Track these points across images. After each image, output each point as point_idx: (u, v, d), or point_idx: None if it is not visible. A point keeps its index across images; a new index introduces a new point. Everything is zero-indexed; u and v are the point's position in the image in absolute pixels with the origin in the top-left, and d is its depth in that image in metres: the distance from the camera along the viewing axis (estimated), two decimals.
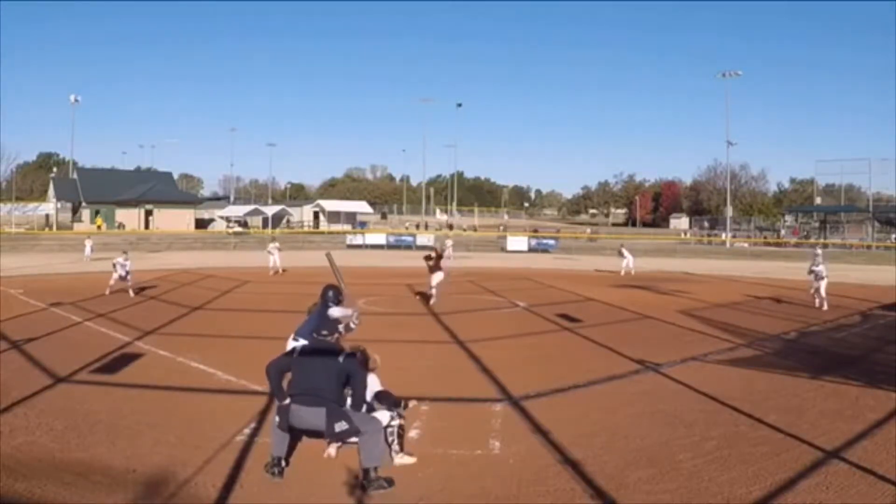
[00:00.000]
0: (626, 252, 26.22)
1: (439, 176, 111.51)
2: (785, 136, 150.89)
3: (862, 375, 8.32)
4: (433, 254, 15.83)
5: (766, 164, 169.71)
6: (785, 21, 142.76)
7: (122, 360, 8.88)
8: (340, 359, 5.00)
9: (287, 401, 4.89)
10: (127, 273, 16.62)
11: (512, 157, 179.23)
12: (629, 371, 8.66)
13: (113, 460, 5.14)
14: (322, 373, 4.89)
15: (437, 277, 15.21)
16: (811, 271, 16.10)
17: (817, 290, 15.69)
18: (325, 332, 5.22)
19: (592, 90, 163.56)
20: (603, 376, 8.26)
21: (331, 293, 6.77)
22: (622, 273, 25.11)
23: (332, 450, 5.29)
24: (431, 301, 15.15)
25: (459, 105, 72.49)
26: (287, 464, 4.94)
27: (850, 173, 59.15)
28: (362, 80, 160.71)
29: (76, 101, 65.77)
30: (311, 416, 4.81)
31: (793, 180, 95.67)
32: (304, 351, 5.21)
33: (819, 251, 18.93)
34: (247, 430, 5.93)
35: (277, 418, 4.95)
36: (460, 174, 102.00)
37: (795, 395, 7.45)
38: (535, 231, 62.22)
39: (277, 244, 25.21)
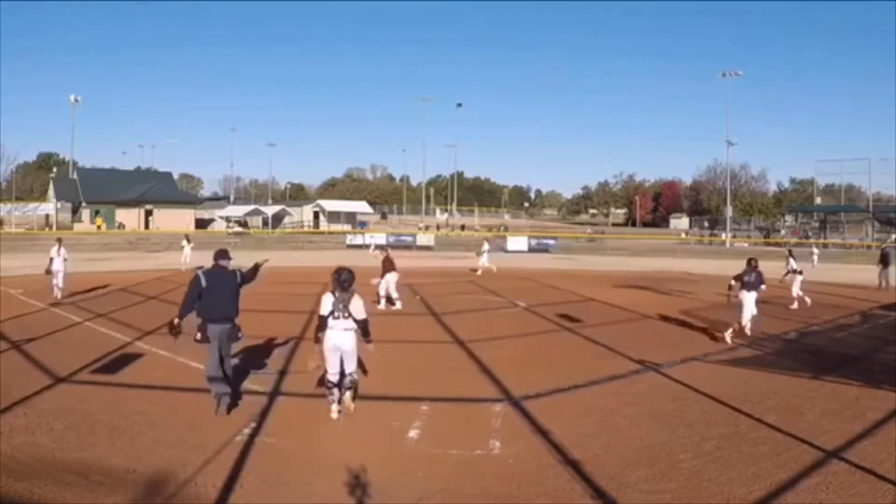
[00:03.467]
0: (486, 246, 25.73)
1: (439, 176, 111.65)
2: (785, 136, 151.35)
3: (862, 375, 8.31)
4: (384, 253, 15.08)
5: (766, 164, 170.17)
6: (785, 21, 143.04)
7: (122, 360, 8.88)
8: (236, 277, 6.93)
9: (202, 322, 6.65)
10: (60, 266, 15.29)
11: (512, 157, 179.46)
12: (629, 371, 8.66)
13: (113, 460, 5.14)
14: (228, 295, 6.79)
15: (393, 278, 14.50)
16: (792, 271, 15.86)
17: (795, 287, 15.65)
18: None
19: (592, 90, 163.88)
20: (603, 376, 8.26)
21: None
22: (479, 272, 24.61)
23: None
24: (395, 306, 14.29)
25: (459, 105, 72.52)
26: (230, 396, 6.63)
27: (849, 173, 59.31)
28: (362, 81, 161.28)
29: (76, 101, 65.80)
30: (219, 330, 6.66)
31: (793, 180, 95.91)
32: (210, 281, 6.72)
33: (790, 249, 18.74)
34: (247, 430, 5.94)
35: (199, 334, 6.67)
36: (460, 174, 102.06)
37: (795, 395, 7.45)
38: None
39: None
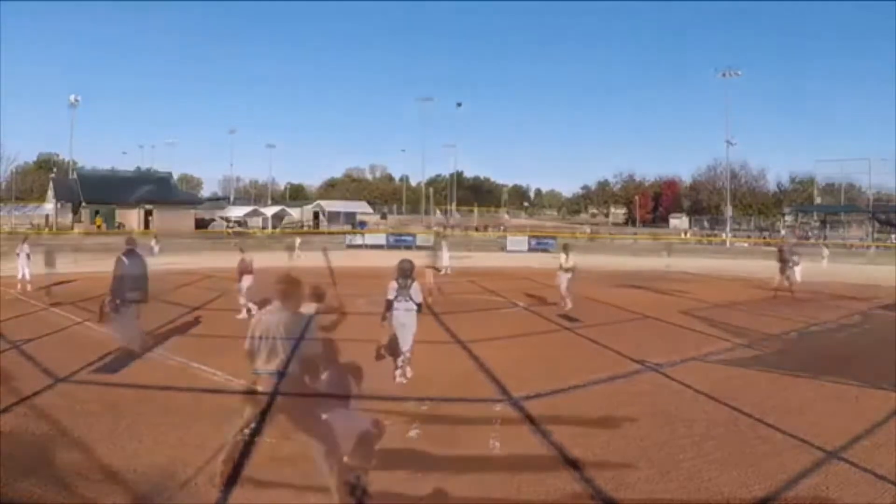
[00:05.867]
0: (444, 246, 23.93)
1: (439, 176, 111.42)
2: (785, 136, 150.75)
3: (862, 375, 8.31)
4: (240, 255, 13.51)
5: (766, 162, 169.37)
6: (785, 21, 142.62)
7: (122, 360, 8.88)
8: (146, 262, 9.23)
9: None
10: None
11: (512, 157, 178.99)
12: (629, 371, 8.66)
13: (113, 460, 5.14)
14: (140, 272, 8.91)
15: (245, 283, 12.97)
16: (561, 266, 14.75)
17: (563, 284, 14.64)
18: None
19: (592, 89, 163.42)
20: (603, 376, 8.26)
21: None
22: (442, 272, 23.17)
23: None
24: (243, 315, 12.33)
25: (459, 105, 72.63)
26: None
27: (849, 172, 59.33)
28: (362, 81, 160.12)
29: (76, 101, 65.76)
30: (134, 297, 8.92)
31: (793, 179, 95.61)
32: (129, 263, 8.87)
33: (566, 244, 16.82)
34: (247, 430, 5.92)
35: (110, 305, 8.82)
36: (460, 174, 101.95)
37: (795, 395, 7.45)
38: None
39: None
